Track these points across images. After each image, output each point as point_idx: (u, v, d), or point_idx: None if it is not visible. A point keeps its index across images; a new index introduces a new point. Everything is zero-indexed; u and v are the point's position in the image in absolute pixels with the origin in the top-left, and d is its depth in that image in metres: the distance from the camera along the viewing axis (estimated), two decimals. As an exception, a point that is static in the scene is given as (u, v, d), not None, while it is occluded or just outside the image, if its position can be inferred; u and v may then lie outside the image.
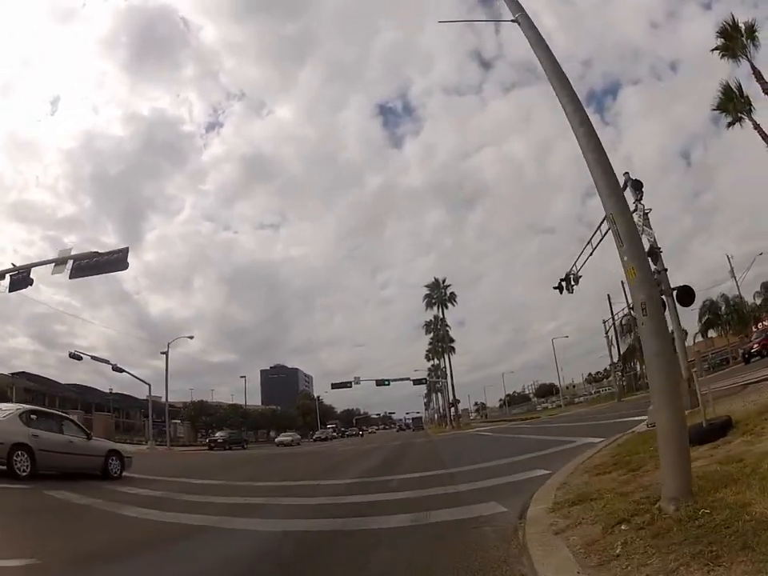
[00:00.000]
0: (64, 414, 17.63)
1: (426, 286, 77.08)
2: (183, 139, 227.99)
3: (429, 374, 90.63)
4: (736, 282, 59.64)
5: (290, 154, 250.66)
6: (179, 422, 69.43)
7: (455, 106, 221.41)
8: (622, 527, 5.08)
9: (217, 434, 55.31)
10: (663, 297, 16.64)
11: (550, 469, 10.85)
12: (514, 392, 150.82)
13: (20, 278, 25.50)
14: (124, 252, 24.89)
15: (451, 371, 74.10)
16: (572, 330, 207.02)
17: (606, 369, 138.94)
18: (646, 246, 17.45)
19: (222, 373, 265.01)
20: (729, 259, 60.16)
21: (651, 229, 18.29)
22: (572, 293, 28.94)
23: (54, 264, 25.99)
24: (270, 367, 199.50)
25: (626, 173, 19.23)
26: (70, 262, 25.44)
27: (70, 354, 47.13)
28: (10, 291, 25.69)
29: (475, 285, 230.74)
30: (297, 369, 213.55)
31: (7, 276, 25.48)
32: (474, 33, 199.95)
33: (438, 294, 75.03)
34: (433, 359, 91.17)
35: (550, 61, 7.25)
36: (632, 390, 57.71)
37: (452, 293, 75.97)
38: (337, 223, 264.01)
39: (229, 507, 10.70)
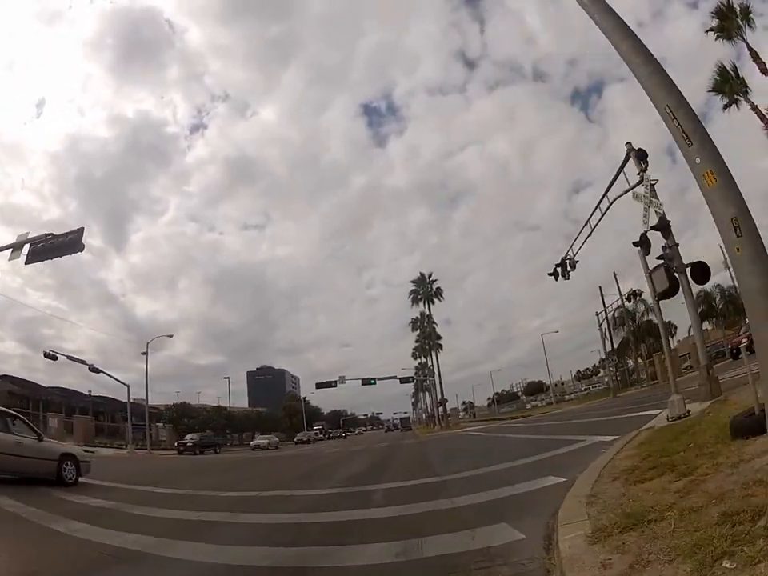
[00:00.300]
0: (12, 412, 15.57)
1: (412, 282, 75.34)
2: (168, 141, 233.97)
3: (416, 373, 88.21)
4: (730, 272, 57.96)
5: (275, 155, 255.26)
6: (161, 425, 67.79)
7: (439, 106, 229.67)
8: (725, 564, 3.28)
9: (187, 437, 51.25)
10: (676, 274, 15.02)
11: (565, 475, 9.10)
12: (503, 390, 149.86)
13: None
14: (79, 232, 23.06)
15: (439, 369, 72.64)
16: (558, 327, 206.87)
17: (594, 365, 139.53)
18: (655, 220, 15.95)
19: (210, 375, 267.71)
20: (722, 249, 58.40)
21: (658, 199, 16.39)
22: (568, 279, 27.13)
23: (10, 250, 23.90)
24: (257, 369, 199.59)
25: (629, 142, 17.56)
26: (26, 247, 23.39)
27: (45, 354, 45.17)
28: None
29: (461, 284, 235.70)
30: (283, 370, 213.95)
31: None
32: (459, 32, 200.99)
33: (424, 290, 73.21)
34: (420, 357, 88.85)
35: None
36: (626, 386, 55.96)
37: (438, 288, 74.22)
38: (322, 223, 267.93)
39: (178, 525, 9.07)
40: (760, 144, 25.28)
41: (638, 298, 49.06)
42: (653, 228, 15.96)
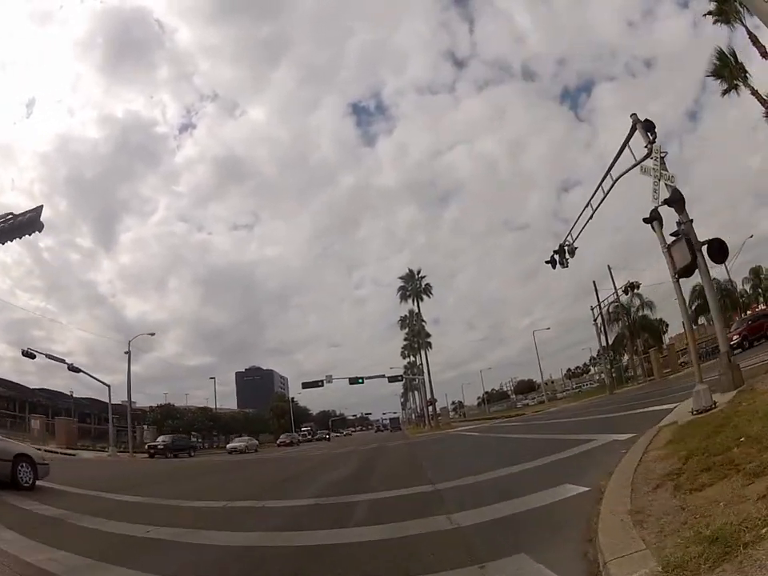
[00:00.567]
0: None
1: (401, 278, 73.56)
2: (157, 141, 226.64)
3: (405, 372, 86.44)
4: (726, 266, 56.81)
5: (264, 154, 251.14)
6: (146, 427, 66.06)
7: (428, 105, 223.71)
8: None
9: (159, 439, 48.24)
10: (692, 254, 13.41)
11: (585, 482, 7.65)
12: (493, 389, 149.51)
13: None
14: (37, 210, 21.33)
15: (428, 367, 70.89)
16: (548, 326, 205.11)
17: (585, 363, 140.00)
18: (666, 194, 14.42)
19: (199, 376, 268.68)
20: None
21: (668, 171, 14.91)
22: (566, 266, 25.45)
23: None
24: (245, 369, 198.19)
25: (634, 114, 16.12)
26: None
27: (23, 353, 43.82)
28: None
29: (450, 283, 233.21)
30: (272, 371, 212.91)
31: None
32: (448, 32, 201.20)
33: (413, 286, 71.44)
34: (408, 356, 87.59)
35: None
36: (621, 383, 54.35)
37: (427, 284, 72.28)
38: (311, 223, 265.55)
39: (120, 543, 7.78)
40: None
41: (635, 290, 47.32)
42: (665, 202, 14.51)
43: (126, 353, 54.31)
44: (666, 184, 14.74)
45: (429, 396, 69.91)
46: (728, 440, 6.75)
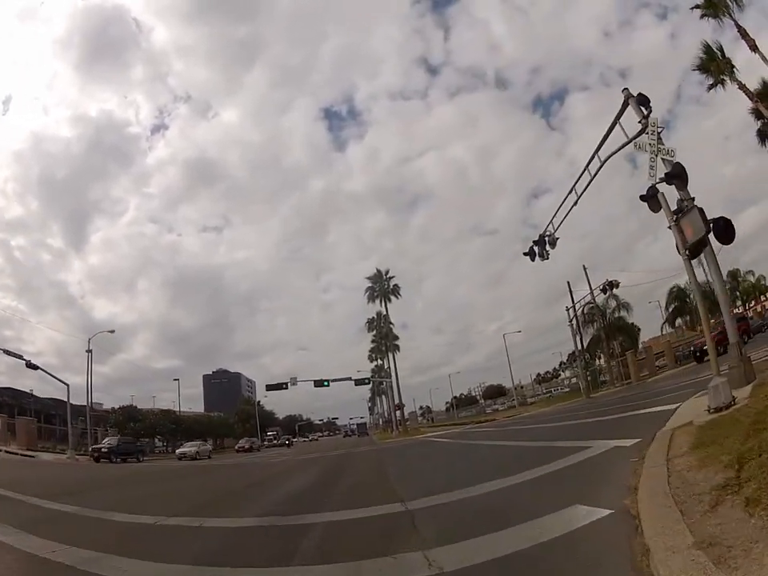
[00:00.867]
0: None
1: (368, 278, 72.06)
2: (129, 141, 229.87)
3: (373, 375, 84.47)
4: (703, 268, 55.79)
5: (235, 157, 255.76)
6: (108, 429, 63.26)
7: (400, 111, 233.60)
8: None
9: (104, 441, 44.60)
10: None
11: (600, 502, 6.04)
12: (461, 394, 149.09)
13: None
14: None
15: (396, 370, 69.03)
16: (518, 329, 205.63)
17: (555, 368, 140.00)
18: (663, 170, 13.43)
19: (167, 379, 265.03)
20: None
21: (663, 144, 13.61)
22: (547, 259, 23.78)
23: None
24: (213, 372, 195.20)
25: (626, 88, 15.13)
26: None
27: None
28: None
29: (418, 288, 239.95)
30: (239, 374, 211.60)
31: None
32: (423, 39, 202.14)
33: (381, 286, 69.86)
34: (376, 359, 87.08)
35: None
36: (595, 387, 52.93)
37: (395, 285, 71.22)
38: (280, 226, 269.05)
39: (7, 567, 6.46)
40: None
41: (613, 289, 45.83)
42: (666, 177, 13.17)
43: (87, 351, 54.52)
44: (664, 159, 13.46)
45: (396, 400, 68.28)
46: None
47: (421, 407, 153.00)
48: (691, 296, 60.08)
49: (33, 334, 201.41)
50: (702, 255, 13.42)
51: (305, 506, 9.81)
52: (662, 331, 68.91)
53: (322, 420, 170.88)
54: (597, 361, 64.30)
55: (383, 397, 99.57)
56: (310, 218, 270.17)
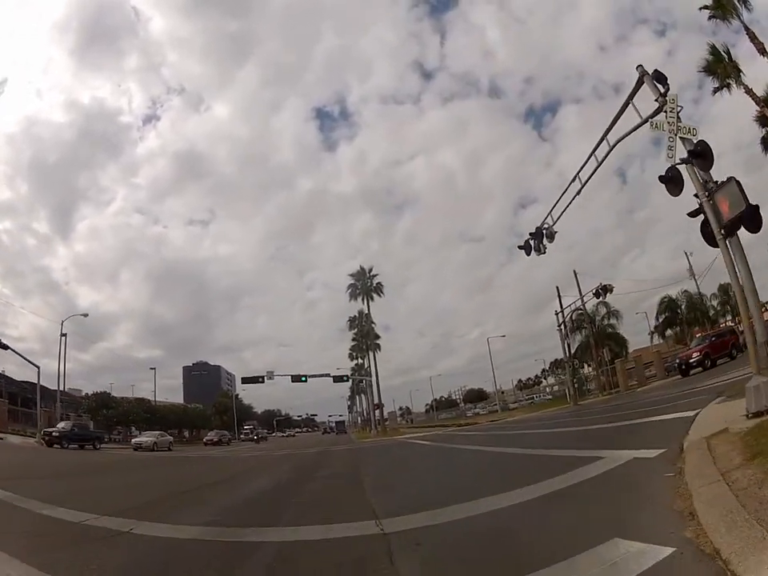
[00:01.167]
0: None
1: (351, 275, 70.61)
2: (120, 131, 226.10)
3: (353, 373, 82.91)
4: (695, 279, 54.91)
5: (224, 152, 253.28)
6: (80, 414, 63.08)
7: (392, 114, 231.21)
8: None
9: (59, 425, 41.09)
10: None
11: (643, 533, 4.52)
12: (441, 397, 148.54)
13: None
14: None
15: (376, 369, 67.64)
16: (502, 334, 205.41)
17: (537, 375, 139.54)
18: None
19: (148, 369, 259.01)
20: (687, 256, 55.47)
21: (681, 121, 12.30)
22: (543, 253, 22.10)
23: None
24: (193, 364, 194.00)
25: (640, 65, 13.96)
26: None
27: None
28: None
29: (402, 291, 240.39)
30: (219, 366, 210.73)
31: None
32: (419, 43, 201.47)
33: (363, 284, 68.24)
34: (357, 358, 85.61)
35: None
36: (581, 395, 51.30)
37: (378, 283, 69.62)
38: (266, 224, 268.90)
39: None
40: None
41: (607, 294, 44.26)
42: (690, 155, 11.80)
43: (62, 335, 54.01)
44: (684, 139, 12.10)
45: (376, 400, 66.79)
46: None
47: (401, 408, 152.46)
48: (682, 307, 58.96)
49: (16, 319, 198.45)
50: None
51: (259, 515, 8.21)
52: (651, 341, 67.91)
53: (300, 416, 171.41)
54: (583, 369, 63.06)
55: (363, 396, 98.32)
56: (296, 217, 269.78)
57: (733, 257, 11.19)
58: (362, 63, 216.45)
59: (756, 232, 11.55)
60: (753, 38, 29.42)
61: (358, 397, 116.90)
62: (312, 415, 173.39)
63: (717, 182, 11.38)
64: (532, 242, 22.23)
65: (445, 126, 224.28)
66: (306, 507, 8.68)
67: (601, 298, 45.27)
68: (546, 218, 21.37)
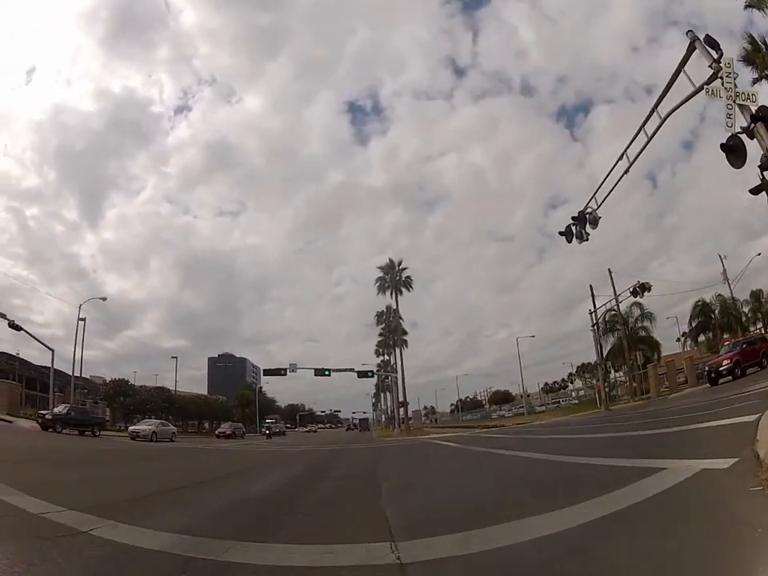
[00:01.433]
0: None
1: (380, 268, 69.05)
2: (151, 120, 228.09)
3: (378, 369, 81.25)
4: (728, 283, 52.68)
5: (255, 143, 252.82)
6: (97, 401, 62.18)
7: (424, 110, 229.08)
8: None
9: (57, 409, 38.97)
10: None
11: None
12: (467, 397, 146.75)
13: None
14: None
15: (402, 366, 65.93)
16: (523, 339, 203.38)
17: (563, 379, 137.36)
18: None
19: (173, 359, 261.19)
20: (721, 259, 53.40)
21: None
22: (586, 240, 20.42)
23: None
24: (218, 355, 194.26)
25: (690, 30, 13.95)
26: None
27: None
28: None
29: (429, 288, 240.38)
30: (245, 359, 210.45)
31: None
32: (451, 39, 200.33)
33: (393, 277, 66.61)
34: (383, 354, 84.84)
35: None
36: (611, 400, 49.14)
37: (408, 277, 67.96)
38: (295, 216, 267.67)
39: None
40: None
41: (644, 293, 41.82)
42: (753, 120, 10.93)
43: (79, 320, 53.26)
44: (741, 106, 11.37)
45: (401, 397, 65.08)
46: None
47: (425, 407, 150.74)
48: (716, 311, 56.70)
49: (42, 305, 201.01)
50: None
51: (249, 525, 6.74)
52: (683, 347, 65.72)
53: (323, 412, 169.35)
54: (613, 373, 60.95)
55: (387, 393, 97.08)
56: (325, 210, 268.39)
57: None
58: (395, 58, 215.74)
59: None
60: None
61: (382, 394, 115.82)
62: (336, 411, 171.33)
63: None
64: (573, 228, 20.53)
65: (476, 123, 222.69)
66: (307, 517, 7.20)
67: (638, 297, 42.87)
68: (589, 201, 19.71)
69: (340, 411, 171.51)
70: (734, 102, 11.40)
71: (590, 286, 48.50)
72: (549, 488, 8.10)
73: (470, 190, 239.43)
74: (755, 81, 29.79)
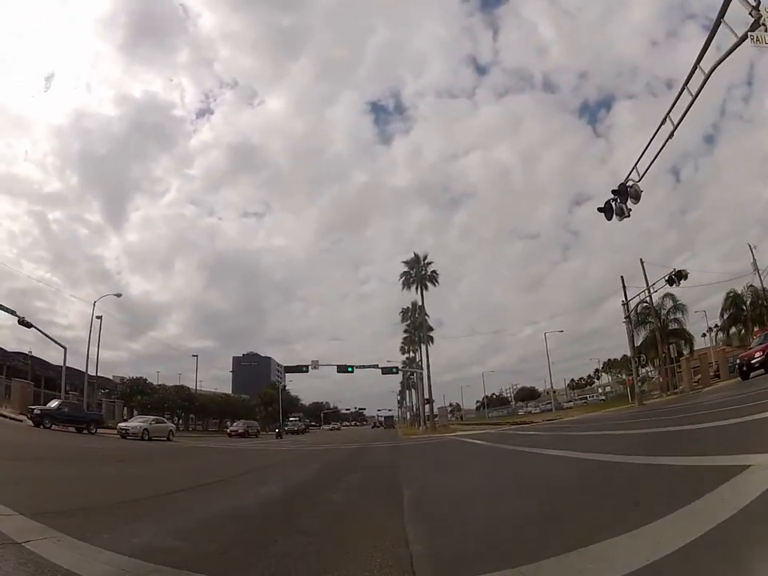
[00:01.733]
0: None
1: (405, 262, 67.20)
2: (173, 123, 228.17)
3: (404, 366, 79.62)
4: (759, 275, 50.47)
5: (278, 145, 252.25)
6: (113, 400, 61.46)
7: (447, 109, 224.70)
8: None
9: (51, 404, 36.61)
10: None
11: None
12: (493, 394, 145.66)
13: None
14: None
15: (428, 363, 63.76)
16: (550, 335, 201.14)
17: (589, 375, 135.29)
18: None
19: (200, 359, 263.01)
20: (751, 249, 51.34)
21: None
22: (627, 216, 18.60)
23: None
24: (243, 355, 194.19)
25: None
26: None
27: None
28: None
29: (455, 286, 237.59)
30: (269, 358, 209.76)
31: None
32: (472, 38, 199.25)
33: (418, 272, 65.12)
34: (408, 351, 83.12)
35: None
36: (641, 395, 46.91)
37: (433, 271, 66.12)
38: (320, 216, 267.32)
39: None
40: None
41: (681, 281, 39.19)
42: None
43: (94, 317, 51.93)
44: None
45: (426, 394, 63.39)
46: None
47: (450, 404, 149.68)
48: (747, 302, 54.47)
49: (66, 307, 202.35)
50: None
51: (223, 552, 5.18)
52: (714, 341, 63.64)
53: (348, 410, 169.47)
54: (643, 367, 58.90)
55: (413, 390, 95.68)
56: (350, 210, 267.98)
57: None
58: (416, 57, 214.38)
59: None
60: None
61: (407, 392, 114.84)
62: (360, 409, 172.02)
63: None
64: (613, 204, 18.71)
65: (499, 121, 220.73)
66: (300, 545, 5.42)
67: (674, 286, 40.25)
68: (630, 173, 17.95)
69: (365, 409, 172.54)
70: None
71: (621, 277, 46.48)
72: (613, 497, 6.46)
73: (495, 187, 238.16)
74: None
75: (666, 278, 39.57)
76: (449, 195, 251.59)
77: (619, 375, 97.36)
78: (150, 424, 38.53)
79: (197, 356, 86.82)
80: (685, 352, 52.07)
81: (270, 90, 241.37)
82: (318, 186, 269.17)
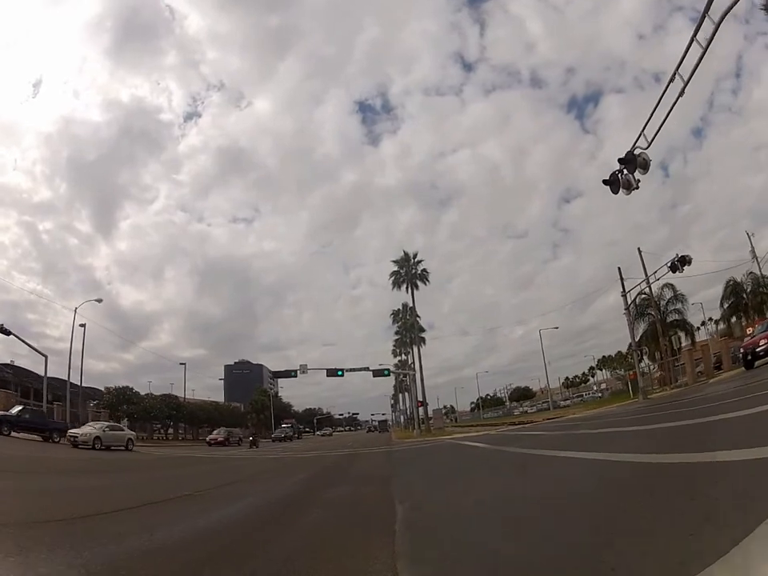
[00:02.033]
0: None
1: (394, 261, 65.97)
2: (161, 128, 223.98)
3: (396, 368, 78.25)
4: (758, 262, 49.29)
5: (266, 146, 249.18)
6: (99, 410, 60.45)
7: (434, 106, 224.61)
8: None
9: (12, 411, 34.87)
10: None
11: None
12: (486, 395, 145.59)
13: None
14: None
15: (420, 365, 62.78)
16: (544, 333, 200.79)
17: (583, 373, 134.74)
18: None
19: (191, 368, 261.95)
20: (749, 236, 50.25)
21: None
22: (636, 188, 16.96)
23: None
24: (235, 362, 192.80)
25: None
26: None
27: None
28: None
29: (445, 287, 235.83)
30: (261, 365, 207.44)
31: None
32: (459, 34, 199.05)
33: (408, 270, 63.84)
34: (400, 354, 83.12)
35: None
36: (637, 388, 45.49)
37: (424, 269, 64.96)
38: (310, 219, 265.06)
39: None
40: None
41: (685, 266, 37.28)
42: None
43: (81, 325, 52.95)
44: None
45: (420, 397, 61.94)
46: None
47: (444, 406, 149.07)
48: (748, 290, 53.36)
49: (57, 319, 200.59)
50: None
51: None
52: (716, 330, 62.90)
53: (342, 415, 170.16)
54: (641, 361, 57.63)
55: (406, 394, 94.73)
56: (340, 211, 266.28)
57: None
58: (403, 54, 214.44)
59: None
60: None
61: (401, 395, 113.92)
62: (354, 414, 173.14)
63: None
64: (620, 175, 17.04)
65: (487, 118, 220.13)
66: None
67: (677, 272, 38.44)
68: (637, 140, 16.32)
69: (358, 414, 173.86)
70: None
71: (618, 268, 45.20)
72: (669, 510, 4.65)
73: (484, 185, 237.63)
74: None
75: (669, 264, 37.79)
76: (438, 194, 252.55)
77: (617, 371, 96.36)
78: (104, 431, 34.39)
79: (185, 364, 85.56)
80: (686, 343, 50.89)
81: (258, 90, 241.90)
82: (307, 187, 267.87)
